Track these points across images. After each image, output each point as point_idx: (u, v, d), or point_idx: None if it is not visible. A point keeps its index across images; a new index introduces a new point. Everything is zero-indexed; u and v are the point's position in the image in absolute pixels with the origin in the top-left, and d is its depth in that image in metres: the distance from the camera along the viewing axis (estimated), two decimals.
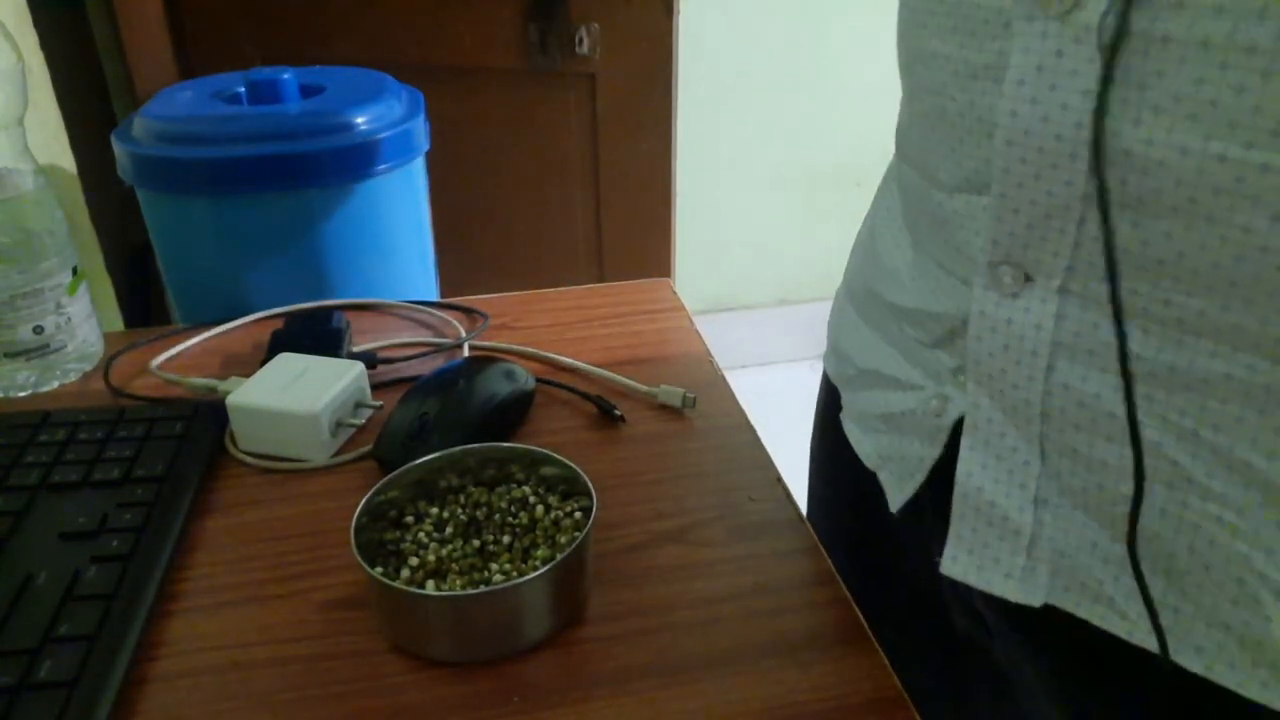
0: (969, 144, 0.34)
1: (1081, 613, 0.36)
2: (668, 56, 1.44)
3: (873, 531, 0.53)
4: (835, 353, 0.52)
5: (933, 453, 0.41)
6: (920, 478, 0.42)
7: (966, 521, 0.38)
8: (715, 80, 1.95)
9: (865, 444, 0.46)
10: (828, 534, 0.51)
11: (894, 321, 0.43)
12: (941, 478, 0.40)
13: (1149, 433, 0.32)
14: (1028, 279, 0.33)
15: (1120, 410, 0.32)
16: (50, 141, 1.12)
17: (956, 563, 0.39)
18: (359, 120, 0.77)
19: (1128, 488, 0.33)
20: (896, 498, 0.43)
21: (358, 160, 0.76)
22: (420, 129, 0.83)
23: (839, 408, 0.52)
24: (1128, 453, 0.32)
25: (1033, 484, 0.36)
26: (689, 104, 1.93)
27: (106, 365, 0.63)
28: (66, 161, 1.17)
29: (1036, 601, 0.37)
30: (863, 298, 0.48)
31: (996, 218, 0.33)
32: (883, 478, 0.45)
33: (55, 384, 0.61)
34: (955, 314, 0.38)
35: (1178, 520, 0.32)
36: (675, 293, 0.75)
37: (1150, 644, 0.34)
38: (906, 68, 0.39)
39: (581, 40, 1.42)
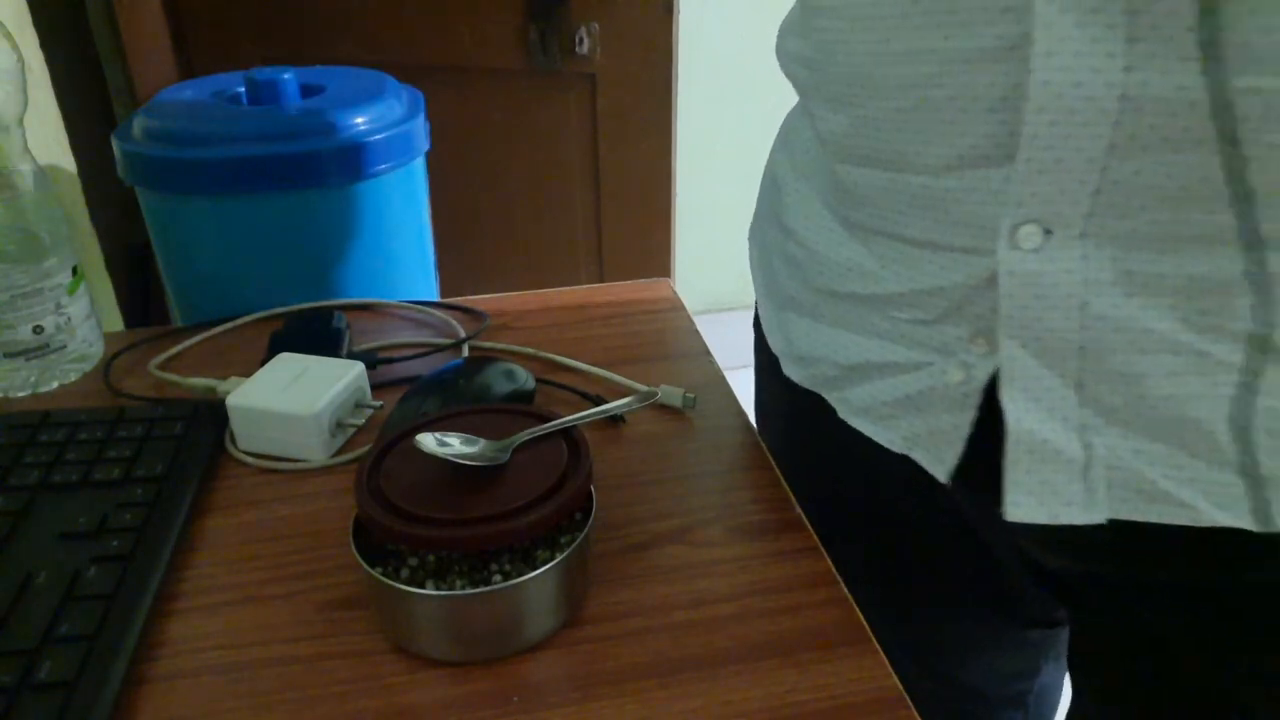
0: (962, 124, 0.36)
1: (1141, 516, 0.38)
2: (668, 56, 1.44)
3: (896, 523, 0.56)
4: (797, 360, 0.52)
5: (966, 418, 0.42)
6: (961, 446, 0.43)
7: (1021, 465, 0.40)
8: (715, 80, 1.95)
9: (884, 433, 0.47)
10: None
11: (873, 313, 0.45)
12: (970, 443, 0.43)
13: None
14: (1047, 232, 0.36)
15: (1157, 324, 0.35)
16: (50, 141, 1.12)
17: (1020, 507, 0.40)
18: (359, 120, 0.77)
19: (1170, 387, 0.36)
20: (942, 470, 0.44)
21: (358, 160, 0.76)
22: (420, 129, 0.83)
23: (811, 408, 0.51)
24: (1166, 358, 0.36)
25: (1074, 415, 0.38)
26: (689, 104, 1.93)
27: (106, 365, 0.63)
28: (66, 161, 1.17)
29: (1101, 517, 0.39)
30: (813, 302, 0.49)
31: (1023, 182, 0.35)
32: (918, 457, 0.45)
33: (55, 384, 0.61)
34: (963, 283, 0.39)
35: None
36: (675, 292, 0.75)
37: (1213, 519, 0.37)
38: (851, 78, 0.40)
39: (581, 40, 1.42)
